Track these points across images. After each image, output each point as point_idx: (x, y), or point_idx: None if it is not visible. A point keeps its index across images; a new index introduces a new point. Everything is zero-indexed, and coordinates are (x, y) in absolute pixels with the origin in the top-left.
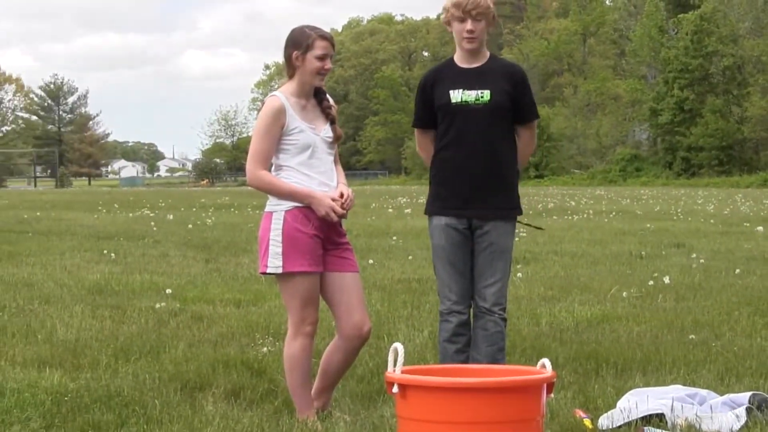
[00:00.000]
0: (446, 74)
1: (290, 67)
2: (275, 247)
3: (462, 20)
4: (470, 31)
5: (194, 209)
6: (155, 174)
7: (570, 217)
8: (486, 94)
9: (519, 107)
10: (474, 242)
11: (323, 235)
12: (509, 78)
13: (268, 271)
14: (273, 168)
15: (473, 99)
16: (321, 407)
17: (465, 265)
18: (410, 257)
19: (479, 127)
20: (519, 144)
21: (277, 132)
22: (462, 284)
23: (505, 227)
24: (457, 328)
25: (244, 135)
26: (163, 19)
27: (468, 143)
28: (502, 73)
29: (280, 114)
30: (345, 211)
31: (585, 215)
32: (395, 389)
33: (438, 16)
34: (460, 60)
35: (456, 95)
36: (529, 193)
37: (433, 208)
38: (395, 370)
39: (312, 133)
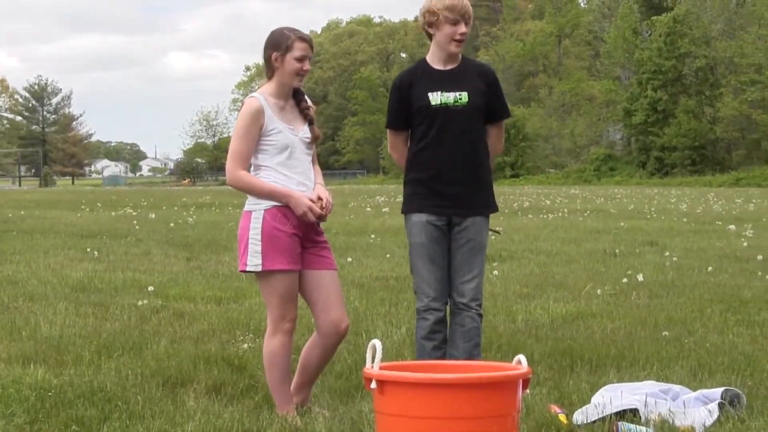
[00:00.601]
0: (422, 76)
1: (269, 69)
2: (254, 246)
3: (455, 23)
4: (463, 34)
5: (176, 208)
6: (137, 173)
7: (545, 216)
8: (464, 96)
9: (493, 107)
10: (451, 239)
11: (302, 234)
12: (483, 78)
13: (248, 269)
14: (252, 168)
15: (452, 101)
16: (300, 403)
17: (443, 262)
18: (388, 255)
19: (459, 128)
20: (489, 142)
21: (256, 132)
22: (441, 280)
23: (482, 223)
24: (434, 325)
25: (225, 135)
26: (147, 20)
27: (448, 144)
28: (476, 74)
29: (258, 115)
30: (324, 213)
31: (560, 214)
32: (373, 385)
33: (416, 18)
34: (435, 62)
35: (435, 97)
36: (504, 192)
37: (412, 206)
38: (373, 366)
39: (290, 134)
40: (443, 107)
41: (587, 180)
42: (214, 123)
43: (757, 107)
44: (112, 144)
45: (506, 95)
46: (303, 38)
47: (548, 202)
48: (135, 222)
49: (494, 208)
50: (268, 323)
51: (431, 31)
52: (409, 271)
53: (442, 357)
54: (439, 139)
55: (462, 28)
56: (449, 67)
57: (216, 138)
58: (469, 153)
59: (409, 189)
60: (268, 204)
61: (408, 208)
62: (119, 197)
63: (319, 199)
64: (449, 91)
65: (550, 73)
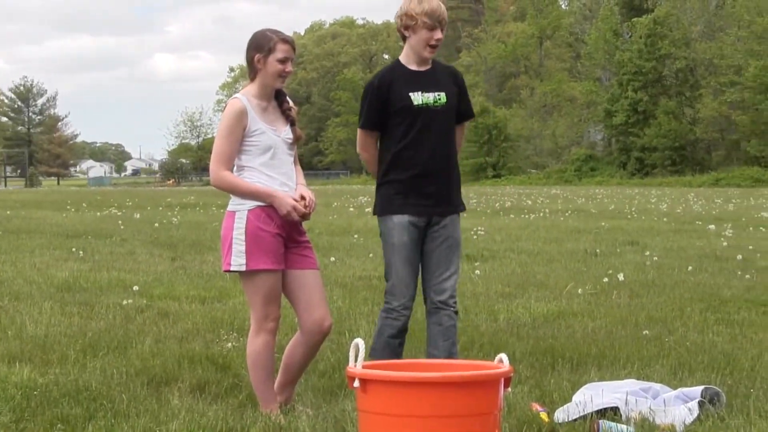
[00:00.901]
0: (400, 77)
1: (252, 70)
2: (238, 246)
3: (432, 28)
4: (438, 40)
5: (160, 208)
6: (122, 174)
7: (527, 216)
8: (443, 96)
9: (461, 108)
10: (428, 238)
11: (285, 234)
12: (454, 80)
13: (232, 268)
14: (235, 168)
15: (432, 101)
16: (284, 401)
17: (418, 264)
18: (371, 255)
19: (438, 128)
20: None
21: (240, 133)
22: (416, 281)
23: (457, 221)
24: (405, 324)
25: (209, 136)
26: (133, 22)
27: (428, 144)
28: (448, 76)
29: (242, 116)
30: (307, 212)
31: (541, 214)
32: (356, 384)
33: None
34: (410, 63)
35: (417, 97)
36: (486, 192)
37: (392, 207)
38: (356, 365)
39: (273, 135)
40: (424, 107)
41: (568, 180)
42: (199, 124)
43: (736, 108)
44: (97, 144)
45: (488, 96)
46: (285, 40)
47: (530, 203)
48: (120, 222)
49: (464, 207)
50: (252, 323)
51: (407, 33)
52: (384, 272)
53: (401, 355)
54: (420, 139)
55: (438, 34)
56: (423, 68)
57: (200, 139)
58: (447, 153)
59: (388, 189)
60: (251, 204)
61: (388, 209)
62: (104, 197)
63: (303, 198)
64: (428, 92)
65: (532, 74)
